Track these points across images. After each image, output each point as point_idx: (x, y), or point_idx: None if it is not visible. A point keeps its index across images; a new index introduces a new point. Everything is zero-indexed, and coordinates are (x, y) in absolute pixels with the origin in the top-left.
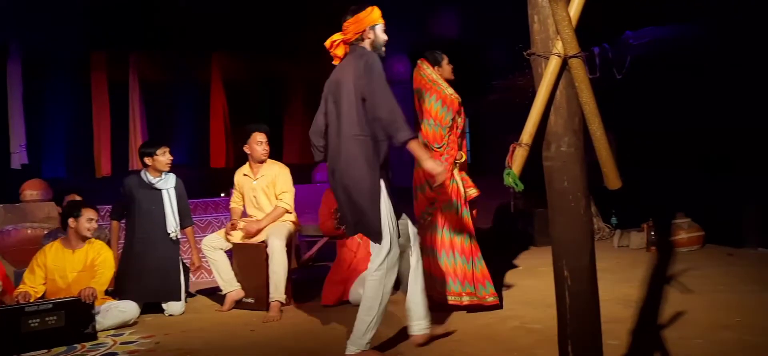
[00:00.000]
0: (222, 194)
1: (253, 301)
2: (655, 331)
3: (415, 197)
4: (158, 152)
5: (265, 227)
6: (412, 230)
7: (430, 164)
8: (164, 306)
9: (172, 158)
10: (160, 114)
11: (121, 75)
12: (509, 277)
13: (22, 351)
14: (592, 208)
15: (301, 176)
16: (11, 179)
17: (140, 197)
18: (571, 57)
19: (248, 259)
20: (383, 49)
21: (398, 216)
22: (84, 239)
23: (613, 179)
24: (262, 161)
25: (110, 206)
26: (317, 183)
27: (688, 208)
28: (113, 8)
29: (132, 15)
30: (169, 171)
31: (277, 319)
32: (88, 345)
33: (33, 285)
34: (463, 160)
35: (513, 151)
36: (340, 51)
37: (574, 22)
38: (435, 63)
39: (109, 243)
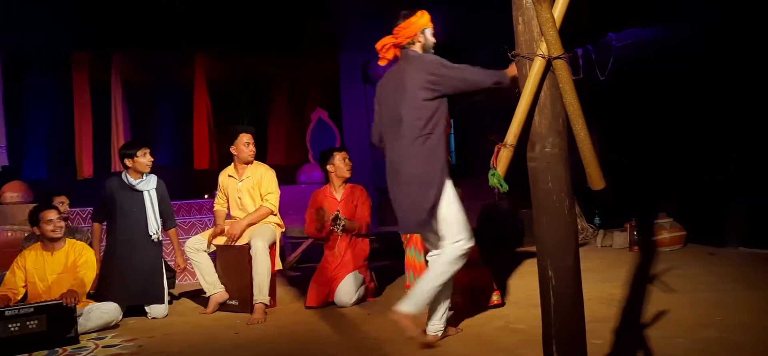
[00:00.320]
0: (206, 196)
1: (236, 303)
2: (639, 330)
3: None
4: (139, 153)
5: (247, 226)
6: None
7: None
8: (147, 308)
9: (152, 159)
10: (142, 115)
11: (104, 75)
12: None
13: None
14: (576, 208)
15: (285, 177)
16: None
17: (121, 199)
18: (556, 58)
19: (232, 261)
20: (432, 50)
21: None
22: (55, 240)
23: (596, 180)
24: (248, 163)
25: (92, 208)
26: (302, 184)
27: (671, 208)
28: (96, 8)
29: (114, 15)
30: (151, 173)
31: (262, 321)
32: (70, 348)
33: (12, 287)
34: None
35: (498, 152)
36: (390, 54)
37: (558, 23)
38: None
39: (91, 245)
